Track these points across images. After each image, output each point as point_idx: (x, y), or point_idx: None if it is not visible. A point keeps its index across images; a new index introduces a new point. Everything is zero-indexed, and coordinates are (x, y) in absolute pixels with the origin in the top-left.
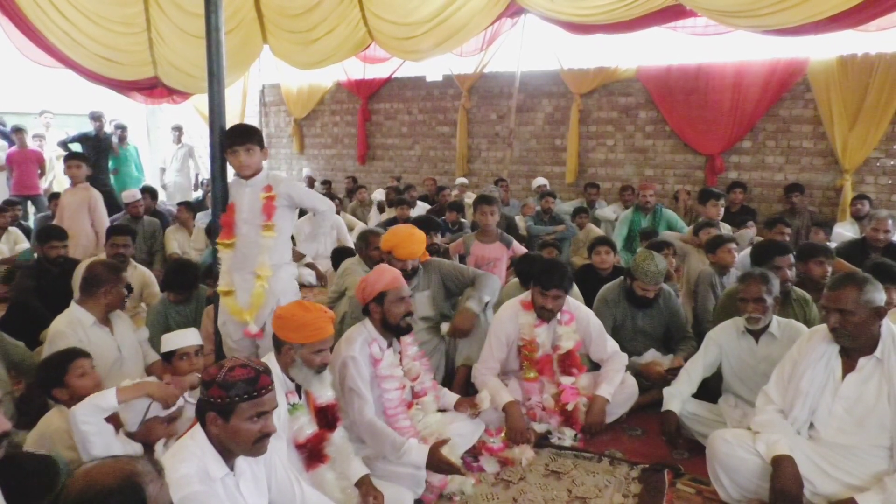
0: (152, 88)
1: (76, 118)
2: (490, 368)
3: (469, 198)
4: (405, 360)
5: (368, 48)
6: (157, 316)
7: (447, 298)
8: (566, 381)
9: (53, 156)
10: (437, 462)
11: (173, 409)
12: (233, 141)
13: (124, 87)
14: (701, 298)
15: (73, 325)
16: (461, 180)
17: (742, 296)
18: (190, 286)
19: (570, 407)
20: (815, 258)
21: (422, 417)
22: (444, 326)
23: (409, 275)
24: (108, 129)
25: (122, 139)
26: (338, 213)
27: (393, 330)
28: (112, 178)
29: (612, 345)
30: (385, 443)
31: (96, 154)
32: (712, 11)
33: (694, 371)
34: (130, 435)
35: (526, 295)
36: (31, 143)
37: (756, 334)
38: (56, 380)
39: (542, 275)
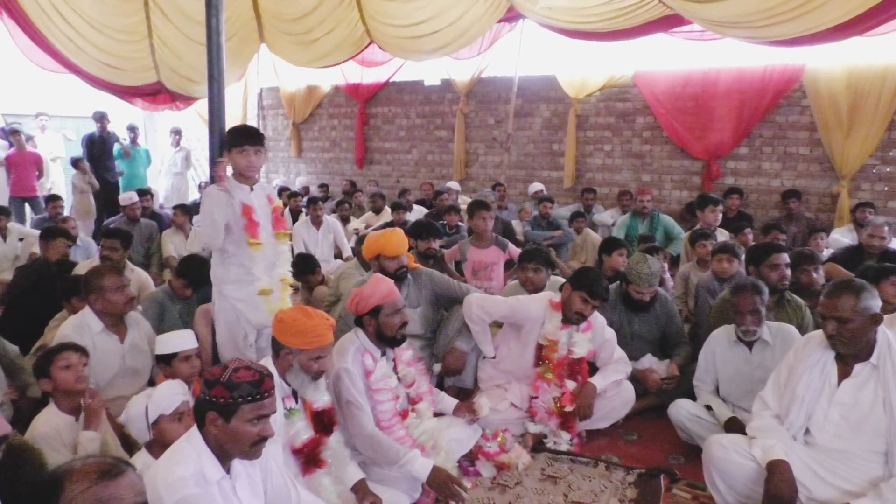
0: (156, 94)
1: (73, 120)
2: (487, 313)
3: (462, 202)
4: (400, 366)
5: (367, 51)
6: (154, 304)
7: (436, 312)
8: (569, 384)
9: (48, 158)
10: (440, 479)
11: (177, 404)
12: (244, 140)
13: (127, 92)
14: (699, 304)
15: (80, 330)
16: (452, 184)
17: (738, 308)
18: (201, 282)
19: (568, 409)
20: (799, 267)
21: (417, 424)
22: (437, 367)
23: (400, 276)
24: (110, 128)
25: (134, 140)
26: (346, 219)
27: (388, 342)
28: (121, 180)
29: (620, 353)
30: (388, 454)
31: (101, 154)
32: (710, 22)
33: (704, 382)
34: (150, 449)
35: (556, 294)
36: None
37: (749, 342)
38: (44, 370)
39: (594, 284)
